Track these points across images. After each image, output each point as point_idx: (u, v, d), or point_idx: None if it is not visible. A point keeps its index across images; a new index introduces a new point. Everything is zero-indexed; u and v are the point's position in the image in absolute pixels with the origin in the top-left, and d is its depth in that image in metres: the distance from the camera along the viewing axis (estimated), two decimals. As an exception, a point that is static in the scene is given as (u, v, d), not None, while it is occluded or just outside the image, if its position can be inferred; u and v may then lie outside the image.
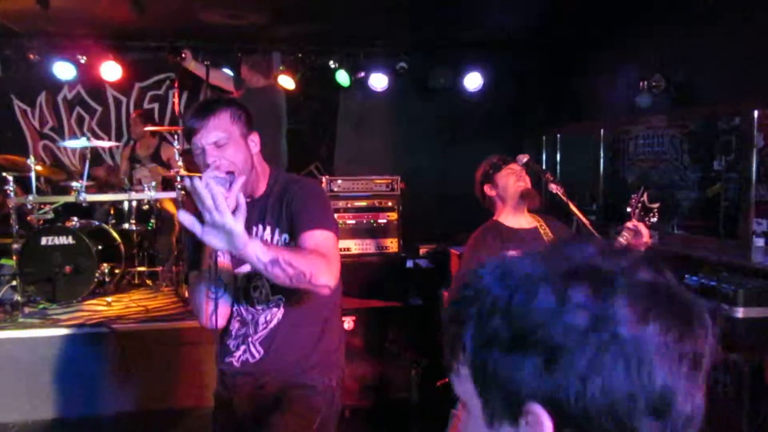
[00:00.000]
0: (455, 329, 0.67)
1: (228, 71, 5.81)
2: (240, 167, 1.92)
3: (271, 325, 2.04)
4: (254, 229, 2.04)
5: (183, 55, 5.32)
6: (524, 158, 2.88)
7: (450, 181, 6.30)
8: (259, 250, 1.69)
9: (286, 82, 6.05)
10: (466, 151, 6.67)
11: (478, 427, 0.66)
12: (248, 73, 5.09)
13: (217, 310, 1.92)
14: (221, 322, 2.00)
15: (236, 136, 1.95)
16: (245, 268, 2.04)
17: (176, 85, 5.93)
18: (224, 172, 1.85)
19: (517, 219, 2.83)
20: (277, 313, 2.04)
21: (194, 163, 2.06)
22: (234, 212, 1.64)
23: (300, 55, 6.29)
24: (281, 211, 2.02)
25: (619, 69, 5.35)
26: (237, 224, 1.62)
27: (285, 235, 2.01)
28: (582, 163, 6.10)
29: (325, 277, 1.83)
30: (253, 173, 2.01)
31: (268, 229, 2.04)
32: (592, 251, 0.64)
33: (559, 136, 6.41)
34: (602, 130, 5.61)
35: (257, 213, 2.04)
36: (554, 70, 6.35)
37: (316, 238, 1.93)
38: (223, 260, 1.95)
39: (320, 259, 1.84)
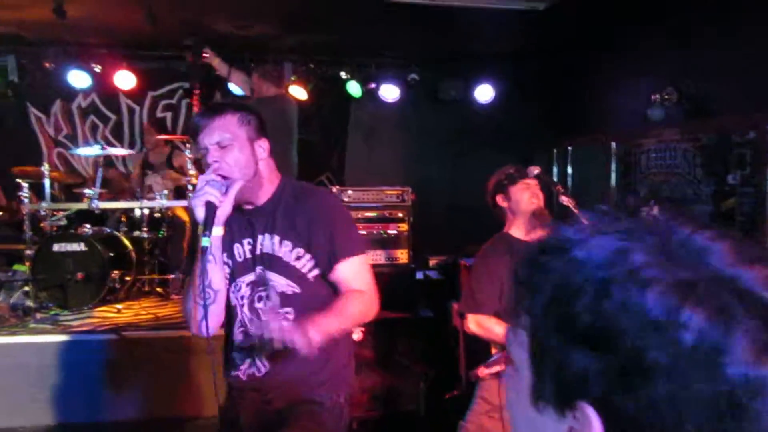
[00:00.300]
0: (523, 290, 0.60)
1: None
2: (239, 171, 1.88)
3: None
4: (259, 238, 1.98)
5: (205, 54, 5.32)
6: (535, 170, 2.87)
7: (460, 192, 6.29)
8: (318, 338, 1.75)
9: (298, 92, 6.09)
10: (477, 162, 6.65)
11: (523, 399, 0.60)
12: (259, 82, 5.11)
13: (207, 317, 1.86)
14: (213, 330, 1.93)
15: (242, 139, 1.92)
16: (249, 277, 2.00)
17: (196, 90, 5.94)
18: (219, 176, 1.85)
19: (527, 231, 2.82)
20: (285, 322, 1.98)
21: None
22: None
23: (311, 65, 6.34)
24: (294, 223, 1.97)
25: (631, 82, 5.34)
26: (305, 342, 1.69)
27: (299, 250, 1.95)
28: (593, 176, 6.08)
29: (373, 310, 1.96)
30: (256, 179, 1.95)
31: (276, 239, 1.97)
32: (722, 256, 0.54)
33: (570, 148, 6.39)
34: (614, 144, 5.59)
35: (262, 222, 1.99)
36: (566, 83, 6.35)
37: (354, 267, 1.96)
38: (215, 264, 1.89)
39: (364, 299, 1.94)
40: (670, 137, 5.01)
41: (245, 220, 2.01)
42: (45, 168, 4.75)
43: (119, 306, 4.73)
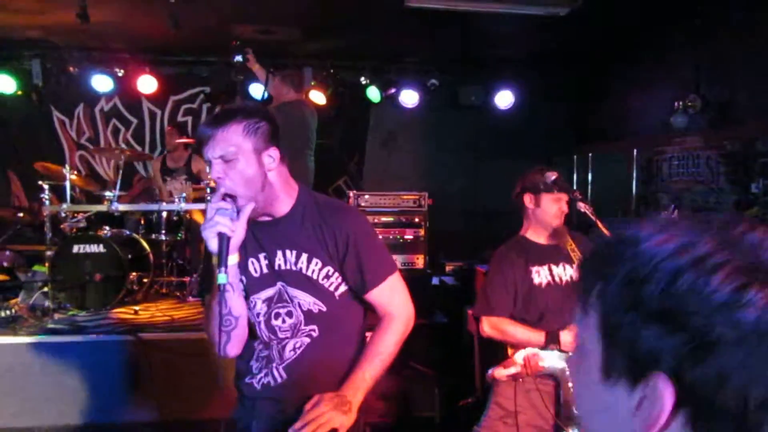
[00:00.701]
0: (594, 277, 0.66)
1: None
2: (245, 186, 1.79)
3: (298, 352, 1.93)
4: (278, 253, 1.91)
5: (248, 56, 5.33)
6: (552, 175, 2.83)
7: (478, 198, 6.27)
8: (362, 394, 1.82)
9: (317, 97, 6.10)
10: (495, 168, 6.63)
11: (592, 376, 0.66)
12: (279, 87, 5.13)
13: (229, 342, 1.87)
14: (235, 351, 1.92)
15: (247, 151, 1.79)
16: (266, 293, 1.94)
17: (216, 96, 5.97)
18: (228, 197, 1.77)
19: (544, 236, 2.79)
20: (306, 341, 1.94)
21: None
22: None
23: (331, 70, 6.35)
24: (322, 240, 1.90)
25: (653, 88, 5.27)
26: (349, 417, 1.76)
27: (329, 268, 1.90)
28: (614, 184, 6.00)
29: (409, 328, 1.98)
30: (267, 191, 1.85)
31: (304, 256, 1.90)
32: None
33: (590, 155, 6.33)
34: (635, 151, 5.52)
35: (281, 236, 1.91)
36: (587, 89, 6.29)
37: (387, 290, 1.95)
38: (233, 292, 1.83)
39: (398, 328, 1.95)
40: (693, 145, 4.93)
41: (262, 234, 1.93)
42: (67, 170, 4.81)
43: (137, 307, 4.76)
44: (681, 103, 4.62)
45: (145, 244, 5.12)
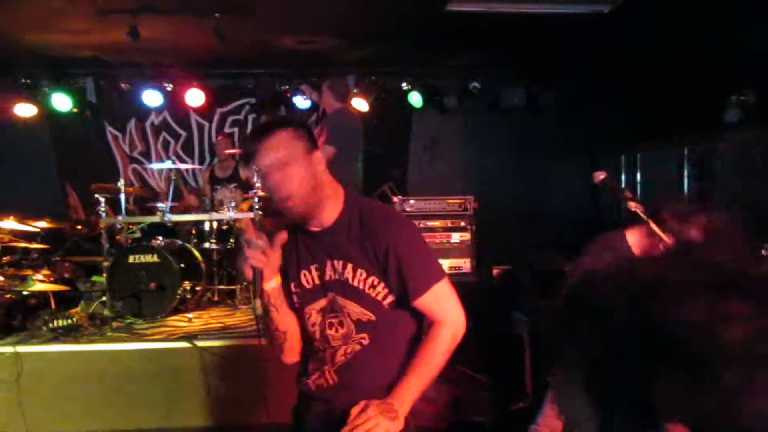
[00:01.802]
0: (562, 343, 0.62)
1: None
2: (298, 187, 1.85)
3: (349, 358, 1.96)
4: (328, 263, 1.94)
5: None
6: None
7: (524, 200, 6.20)
8: (409, 402, 1.84)
9: (360, 104, 6.15)
10: (540, 170, 6.57)
11: None
12: (325, 96, 5.20)
13: (283, 352, 2.02)
14: (291, 359, 2.06)
15: (298, 154, 1.85)
16: (319, 304, 1.98)
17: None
18: (285, 197, 1.84)
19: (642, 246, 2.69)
20: (357, 348, 1.96)
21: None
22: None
23: (373, 77, 6.40)
24: (367, 249, 1.91)
25: (704, 82, 5.12)
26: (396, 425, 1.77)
27: (374, 278, 1.91)
28: (664, 183, 5.86)
29: (459, 336, 1.95)
30: (318, 192, 1.89)
31: (350, 266, 1.92)
32: (739, 256, 0.57)
33: (638, 155, 6.19)
34: (686, 148, 5.37)
35: (331, 245, 1.94)
36: (633, 86, 6.16)
37: (435, 297, 1.93)
38: (277, 312, 1.93)
39: (446, 337, 1.93)
40: (748, 139, 4.77)
41: (312, 245, 1.97)
42: (121, 184, 4.98)
43: (190, 315, 4.88)
44: (734, 96, 4.48)
45: (196, 253, 5.25)
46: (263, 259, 1.80)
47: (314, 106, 6.36)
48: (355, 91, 6.20)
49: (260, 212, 4.58)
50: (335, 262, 1.93)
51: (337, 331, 1.96)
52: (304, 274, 1.97)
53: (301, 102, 6.49)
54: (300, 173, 1.85)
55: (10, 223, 4.79)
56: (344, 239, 1.92)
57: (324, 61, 6.30)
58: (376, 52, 6.18)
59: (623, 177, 6.36)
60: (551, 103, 6.48)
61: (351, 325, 1.94)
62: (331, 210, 1.94)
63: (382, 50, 6.10)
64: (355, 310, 1.93)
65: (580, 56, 6.05)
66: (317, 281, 1.96)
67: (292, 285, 1.98)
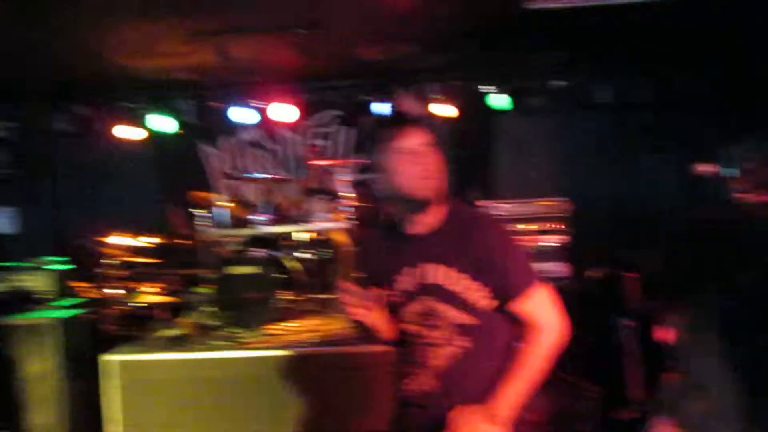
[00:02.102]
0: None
1: None
2: (438, 176, 1.91)
3: (447, 363, 1.97)
4: (427, 267, 1.96)
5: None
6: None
7: (621, 201, 5.97)
8: (509, 408, 1.87)
9: (443, 109, 6.14)
10: (636, 169, 6.31)
11: None
12: (406, 103, 5.25)
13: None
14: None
15: (434, 144, 1.94)
16: (415, 307, 2.00)
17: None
18: (430, 176, 1.88)
19: None
20: (456, 353, 1.97)
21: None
22: None
23: (455, 82, 6.38)
24: (467, 254, 1.93)
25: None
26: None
27: (475, 283, 1.94)
28: None
29: (562, 341, 1.97)
30: (442, 188, 1.95)
31: (453, 271, 1.94)
32: None
33: (736, 148, 5.81)
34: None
35: (428, 251, 1.97)
36: (735, 76, 5.80)
37: (534, 301, 1.95)
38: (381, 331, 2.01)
39: (548, 341, 1.93)
40: None
41: (408, 247, 1.99)
42: (218, 198, 5.22)
43: (288, 324, 5.02)
44: None
45: (293, 263, 5.43)
46: (363, 313, 1.90)
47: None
48: (437, 97, 6.20)
49: (354, 221, 4.67)
50: (433, 265, 1.95)
51: (434, 336, 1.97)
52: (403, 279, 2.00)
53: (385, 111, 6.55)
54: (441, 159, 1.92)
55: (126, 240, 5.13)
56: (443, 243, 1.94)
57: (404, 69, 6.34)
58: (456, 56, 6.15)
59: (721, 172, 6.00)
60: (641, 99, 6.22)
61: (449, 329, 1.95)
62: (435, 214, 1.96)
63: (463, 54, 6.07)
64: (452, 314, 1.95)
65: (668, 48, 5.78)
66: (413, 286, 1.99)
67: (387, 290, 2.01)
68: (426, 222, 1.96)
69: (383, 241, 2.00)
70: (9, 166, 7.11)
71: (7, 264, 5.53)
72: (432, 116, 5.47)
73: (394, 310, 2.03)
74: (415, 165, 1.89)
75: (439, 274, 1.94)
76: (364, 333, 1.93)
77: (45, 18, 4.62)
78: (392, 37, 5.48)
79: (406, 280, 2.00)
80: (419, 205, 1.91)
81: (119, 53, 5.55)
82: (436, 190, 1.90)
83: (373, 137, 2.00)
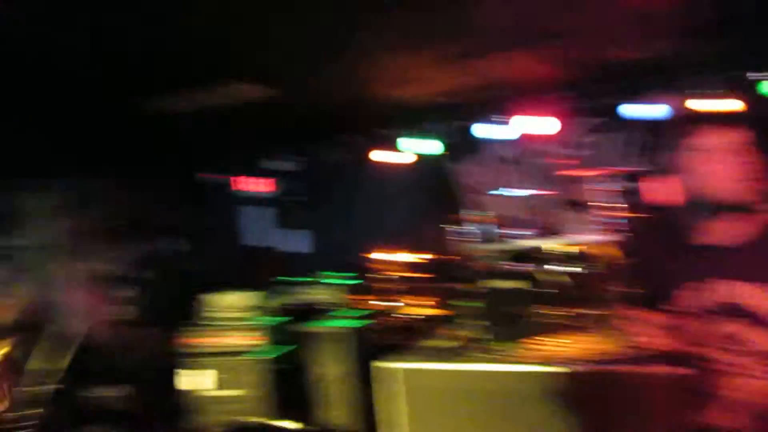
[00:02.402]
0: None
1: None
2: (762, 180, 1.72)
3: (750, 395, 1.75)
4: (728, 286, 1.74)
5: None
6: None
7: None
8: None
9: (728, 104, 5.61)
10: None
11: None
12: (696, 101, 4.83)
13: None
14: None
15: (751, 145, 1.76)
16: (707, 331, 1.78)
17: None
18: (752, 177, 1.70)
19: None
20: (762, 384, 1.73)
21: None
22: None
23: (736, 72, 5.73)
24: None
25: None
26: None
27: None
28: None
29: None
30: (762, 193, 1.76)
31: (752, 289, 1.71)
32: None
33: None
34: None
35: (722, 264, 1.75)
36: None
37: None
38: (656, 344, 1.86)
39: None
40: None
41: (698, 261, 1.80)
42: (481, 214, 5.40)
43: (552, 339, 4.96)
44: None
45: (554, 277, 5.37)
46: (649, 336, 1.81)
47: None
48: (715, 92, 5.64)
49: (624, 232, 4.46)
50: (737, 283, 1.73)
51: (738, 363, 1.74)
52: (685, 296, 1.81)
53: (649, 112, 6.14)
54: (760, 160, 1.73)
55: (405, 256, 5.64)
56: (752, 257, 1.71)
57: (670, 65, 5.87)
58: (729, 46, 5.51)
59: None
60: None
61: (752, 356, 1.72)
62: (745, 221, 1.76)
63: (738, 41, 5.41)
64: (757, 339, 1.72)
65: None
66: (714, 306, 1.77)
67: (669, 308, 1.83)
68: (729, 232, 1.75)
69: (665, 253, 1.83)
70: (300, 194, 8.29)
71: (297, 279, 6.45)
72: (724, 113, 4.95)
73: (682, 330, 1.83)
74: (733, 165, 1.70)
75: (742, 292, 1.73)
76: (649, 355, 1.81)
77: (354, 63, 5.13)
78: (654, 32, 5.12)
79: (698, 297, 1.79)
80: (732, 211, 1.71)
81: (384, 83, 6.07)
82: (755, 195, 1.69)
83: (670, 137, 1.82)
